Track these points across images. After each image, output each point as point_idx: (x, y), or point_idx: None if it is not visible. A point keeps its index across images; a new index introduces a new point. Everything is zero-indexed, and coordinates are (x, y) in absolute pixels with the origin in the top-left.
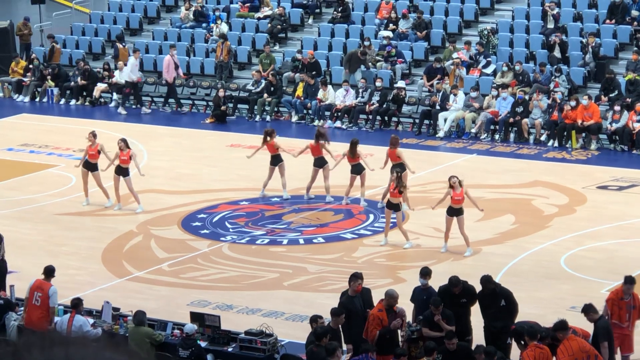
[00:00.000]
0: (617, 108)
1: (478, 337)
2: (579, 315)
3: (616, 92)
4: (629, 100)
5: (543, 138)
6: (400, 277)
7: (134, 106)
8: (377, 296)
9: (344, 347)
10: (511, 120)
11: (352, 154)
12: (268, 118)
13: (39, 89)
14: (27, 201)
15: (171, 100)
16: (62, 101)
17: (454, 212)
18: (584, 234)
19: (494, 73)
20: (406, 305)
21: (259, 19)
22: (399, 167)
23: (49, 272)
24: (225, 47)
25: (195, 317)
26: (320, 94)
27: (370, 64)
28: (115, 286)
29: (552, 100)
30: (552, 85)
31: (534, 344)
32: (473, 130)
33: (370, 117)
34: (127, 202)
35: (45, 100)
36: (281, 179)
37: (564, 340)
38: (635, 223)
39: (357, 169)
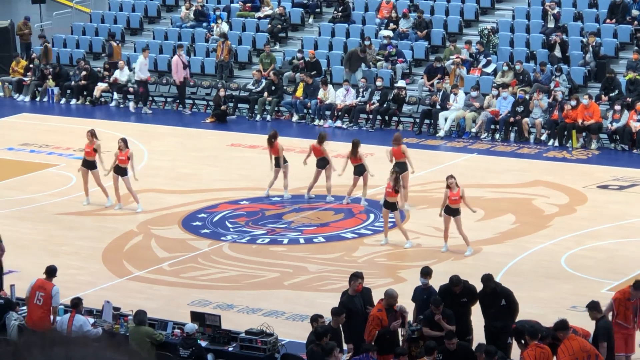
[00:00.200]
0: (617, 107)
1: (478, 336)
2: (580, 315)
3: (616, 91)
4: (629, 99)
5: (543, 137)
6: (400, 276)
7: (134, 105)
8: (377, 296)
9: (345, 346)
10: (512, 119)
11: (354, 155)
12: (268, 118)
13: (40, 89)
14: (27, 201)
15: (188, 101)
16: (63, 101)
17: (452, 212)
18: (585, 233)
19: (495, 72)
20: (407, 305)
21: (259, 18)
22: (399, 167)
23: (51, 272)
24: (225, 47)
25: (196, 316)
26: (320, 94)
27: (370, 63)
28: (115, 286)
29: (552, 99)
30: (552, 85)
31: (534, 343)
32: (473, 130)
33: (371, 116)
34: (127, 202)
35: (45, 99)
36: (284, 180)
37: (564, 339)
38: (636, 223)
39: (359, 170)
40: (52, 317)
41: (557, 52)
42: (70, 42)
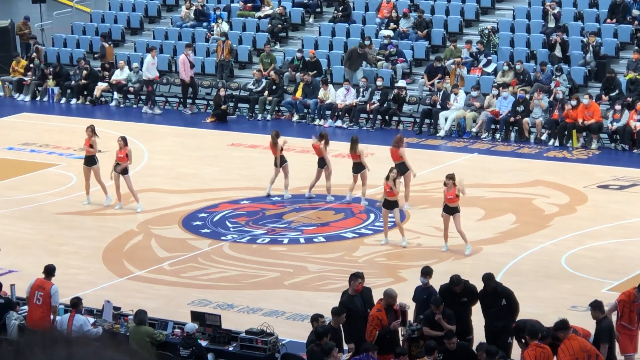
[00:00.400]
0: (617, 107)
1: (479, 336)
2: (580, 315)
3: (617, 91)
4: (629, 99)
5: (544, 137)
6: (400, 276)
7: (135, 105)
8: (377, 295)
9: (345, 346)
10: (512, 119)
11: (354, 151)
12: (269, 117)
13: (40, 88)
14: (27, 200)
15: (202, 102)
16: (63, 100)
17: (450, 210)
18: (585, 233)
19: (495, 72)
20: (407, 304)
21: (259, 18)
22: (398, 168)
23: (50, 271)
24: (226, 46)
25: (196, 316)
26: (321, 94)
27: (371, 59)
28: (115, 285)
29: (552, 98)
30: (552, 85)
31: (535, 343)
32: (474, 130)
33: (371, 116)
34: (127, 202)
35: (45, 99)
36: (284, 180)
37: (564, 339)
38: (636, 222)
39: (358, 168)
40: (51, 316)
41: (558, 52)
42: (70, 41)
